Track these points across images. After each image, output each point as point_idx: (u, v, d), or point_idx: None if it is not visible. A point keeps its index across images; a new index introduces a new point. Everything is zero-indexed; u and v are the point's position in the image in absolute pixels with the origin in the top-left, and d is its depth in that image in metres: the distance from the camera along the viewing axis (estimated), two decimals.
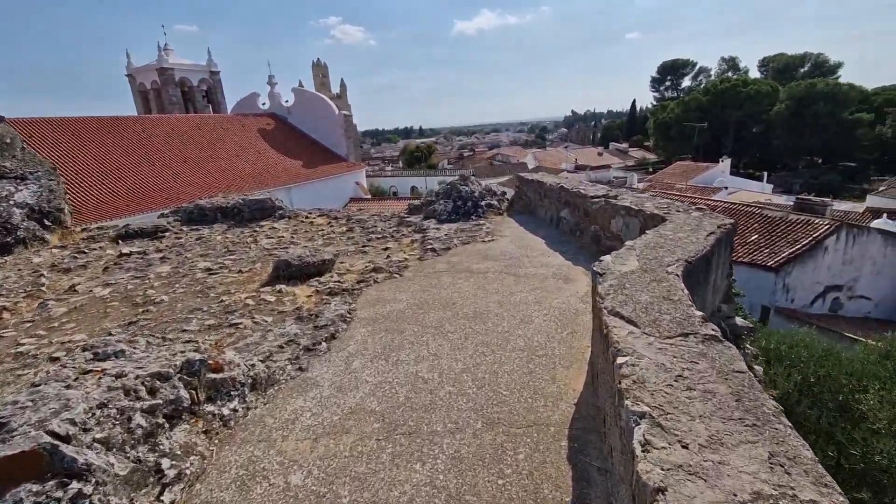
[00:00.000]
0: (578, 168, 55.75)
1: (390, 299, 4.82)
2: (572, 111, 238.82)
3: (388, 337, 3.98)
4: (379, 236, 7.68)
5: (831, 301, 17.79)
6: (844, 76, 67.12)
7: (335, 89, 61.83)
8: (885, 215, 24.00)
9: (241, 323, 4.29)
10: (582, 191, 6.56)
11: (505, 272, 5.42)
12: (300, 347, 3.81)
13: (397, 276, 5.58)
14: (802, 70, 77.13)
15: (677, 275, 2.76)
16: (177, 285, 5.51)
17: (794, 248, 16.65)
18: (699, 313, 2.26)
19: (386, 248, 6.89)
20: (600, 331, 2.43)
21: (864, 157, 57.55)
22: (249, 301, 4.85)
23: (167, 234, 8.30)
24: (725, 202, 22.54)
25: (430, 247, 6.60)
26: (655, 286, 2.64)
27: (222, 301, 4.89)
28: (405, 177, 61.45)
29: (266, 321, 4.36)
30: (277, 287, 5.22)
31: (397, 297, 4.89)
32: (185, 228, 8.76)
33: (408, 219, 8.61)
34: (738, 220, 20.80)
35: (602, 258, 3.15)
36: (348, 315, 4.42)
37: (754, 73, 77.45)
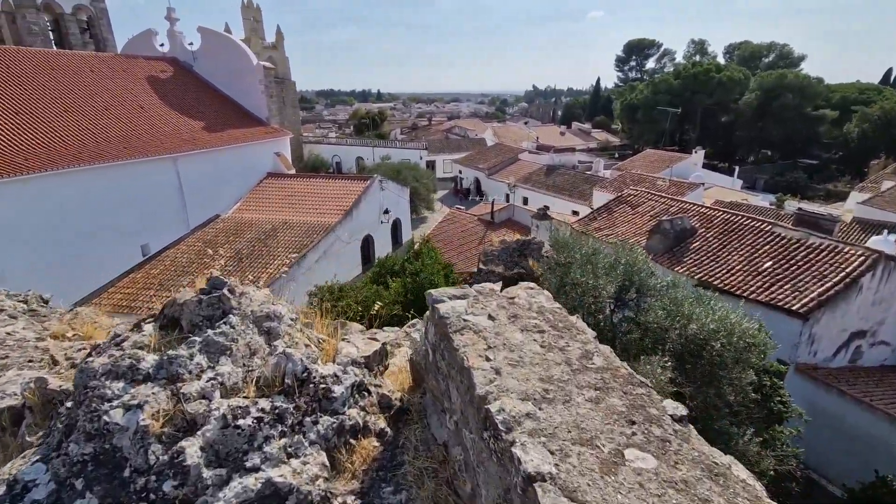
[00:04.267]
0: (541, 148, 51.17)
1: None
2: (533, 86, 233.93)
3: None
4: None
5: (853, 350, 14.21)
6: (807, 70, 65.85)
7: (270, 38, 53.36)
8: (885, 232, 20.92)
9: None
10: None
11: None
12: None
13: None
14: (767, 60, 75.54)
15: None
16: None
17: (825, 287, 12.68)
18: None
19: None
20: None
21: (823, 155, 56.57)
22: None
23: None
24: (718, 209, 18.56)
25: None
26: None
27: None
28: (350, 146, 54.69)
29: None
30: None
31: None
32: None
33: None
34: (743, 237, 16.88)
35: None
36: None
37: (721, 60, 75.21)
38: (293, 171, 28.74)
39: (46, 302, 3.81)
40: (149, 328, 1.98)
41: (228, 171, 24.35)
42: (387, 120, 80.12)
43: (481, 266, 12.70)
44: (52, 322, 2.58)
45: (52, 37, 29.85)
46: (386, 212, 25.89)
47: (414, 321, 3.99)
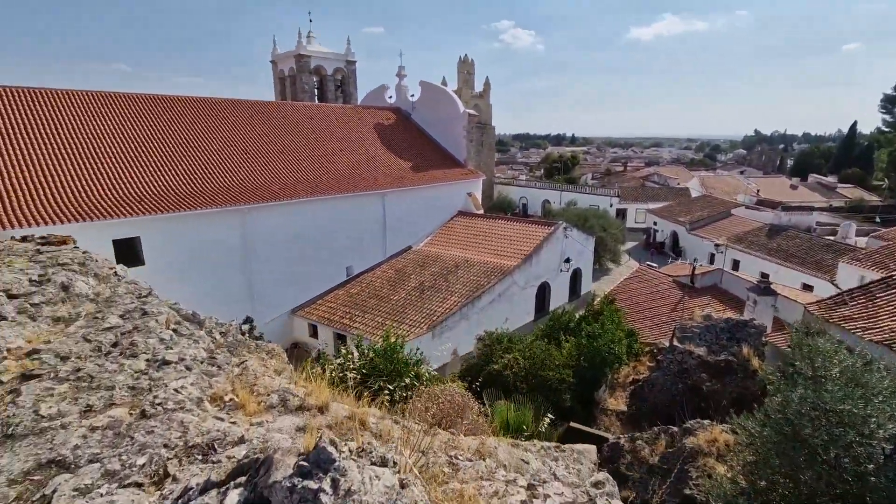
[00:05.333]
0: (762, 203, 43.19)
1: None
2: (756, 130, 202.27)
3: None
4: None
5: None
6: None
7: (479, 88, 58.15)
8: None
9: None
10: None
11: None
12: None
13: None
14: None
15: None
16: None
17: None
18: None
19: None
20: None
21: None
22: None
23: None
24: None
25: None
26: None
27: None
28: (539, 188, 55.06)
29: None
30: None
31: None
32: None
33: None
34: None
35: None
36: None
37: None
38: (481, 211, 29.91)
39: (244, 333, 4.12)
40: None
41: (425, 207, 26.57)
42: (578, 164, 78.84)
43: (675, 343, 10.68)
44: (223, 376, 2.56)
45: (316, 93, 37.74)
46: (567, 260, 24.73)
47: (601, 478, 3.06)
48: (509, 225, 26.15)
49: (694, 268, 22.73)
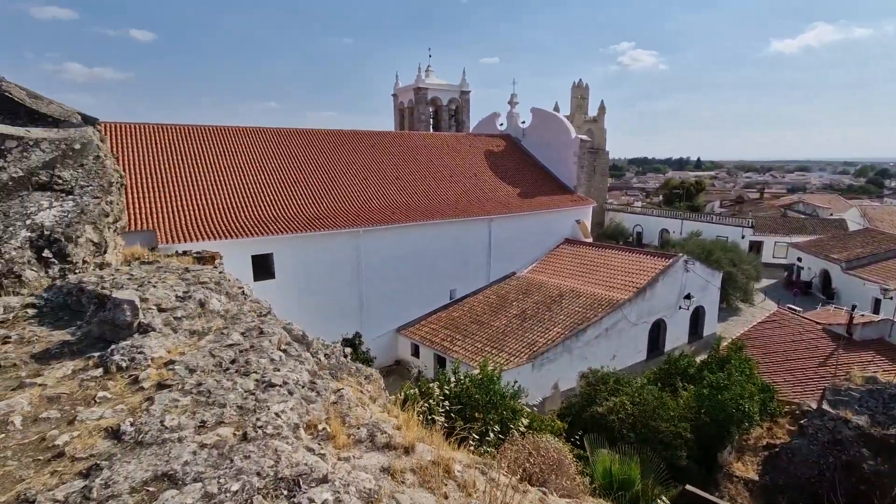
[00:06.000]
0: None
1: None
2: None
3: None
4: None
5: None
6: None
7: (593, 112, 56.58)
8: None
9: None
10: None
11: None
12: None
13: None
14: None
15: None
16: None
17: None
18: None
19: None
20: None
21: None
22: None
23: None
24: None
25: None
26: None
27: None
28: (656, 216, 51.27)
29: None
30: None
31: None
32: None
33: None
34: None
35: None
36: None
37: None
38: (590, 240, 28.61)
39: (346, 356, 4.32)
40: None
41: (531, 233, 26.19)
42: (704, 190, 71.89)
43: (826, 406, 8.95)
44: (320, 402, 2.67)
45: (431, 122, 39.79)
46: (688, 297, 22.43)
47: None
48: (621, 254, 24.60)
49: (852, 315, 19.06)
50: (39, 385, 2.59)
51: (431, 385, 9.73)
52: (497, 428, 6.02)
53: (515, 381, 10.76)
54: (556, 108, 51.51)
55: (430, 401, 4.83)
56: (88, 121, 6.99)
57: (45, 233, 5.81)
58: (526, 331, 19.72)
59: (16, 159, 5.85)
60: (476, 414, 7.65)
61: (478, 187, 27.30)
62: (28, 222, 5.68)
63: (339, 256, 19.95)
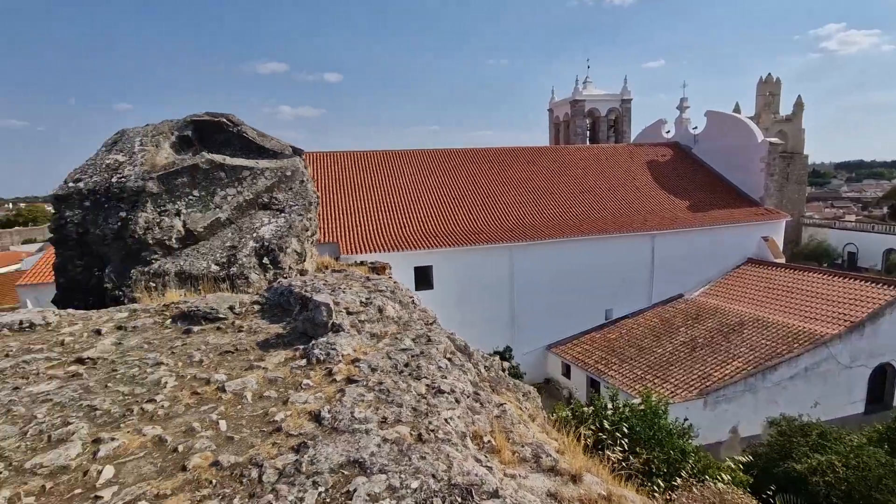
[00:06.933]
0: None
1: None
2: None
3: None
4: None
5: None
6: None
7: (786, 110, 48.15)
8: None
9: None
10: None
11: None
12: None
13: None
14: None
15: None
16: None
17: None
18: None
19: None
20: None
21: None
22: None
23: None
24: None
25: None
26: None
27: None
28: (878, 233, 41.00)
29: None
30: None
31: None
32: None
33: None
34: None
35: None
36: None
37: None
38: (781, 260, 24.16)
39: (504, 370, 4.36)
40: None
41: (702, 252, 23.24)
42: None
43: None
44: (484, 414, 2.73)
45: (587, 135, 38.45)
46: None
47: None
48: (826, 279, 20.22)
49: None
50: (262, 368, 3.17)
51: (585, 409, 9.22)
52: (664, 469, 5.41)
53: (685, 419, 9.56)
54: (737, 109, 45.20)
55: (591, 427, 4.57)
56: (297, 152, 8.44)
57: (265, 244, 7.13)
58: (696, 361, 17.45)
59: (248, 185, 7.34)
60: (637, 449, 6.99)
61: (639, 201, 25.33)
62: (254, 235, 7.08)
63: (494, 270, 20.41)
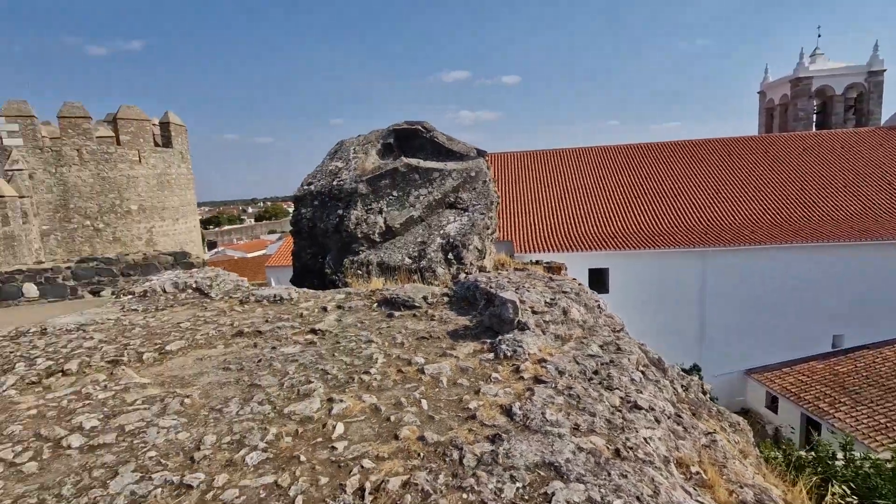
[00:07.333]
0: None
1: None
2: None
3: None
4: None
5: None
6: None
7: None
8: None
9: None
10: None
11: None
12: None
13: None
14: None
15: None
16: None
17: None
18: None
19: None
20: None
21: None
22: None
23: None
24: None
25: None
26: None
27: None
28: None
29: None
30: None
31: None
32: None
33: None
34: None
35: None
36: None
37: None
38: None
39: (705, 393, 3.84)
40: None
41: None
42: None
43: None
44: (689, 441, 2.44)
45: (814, 119, 31.46)
46: None
47: None
48: None
49: None
50: (454, 357, 3.38)
51: (802, 454, 7.59)
52: None
53: None
54: None
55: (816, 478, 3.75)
56: (481, 153, 8.83)
57: (450, 240, 7.65)
58: None
59: (437, 185, 7.95)
60: None
61: (891, 201, 19.68)
62: (441, 232, 7.66)
63: (680, 278, 18.25)
